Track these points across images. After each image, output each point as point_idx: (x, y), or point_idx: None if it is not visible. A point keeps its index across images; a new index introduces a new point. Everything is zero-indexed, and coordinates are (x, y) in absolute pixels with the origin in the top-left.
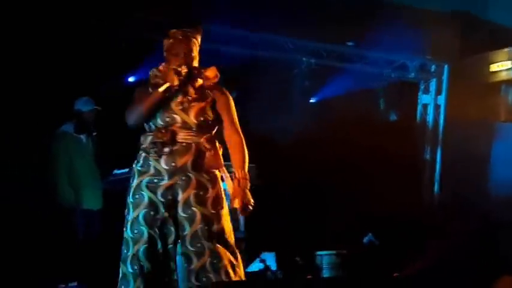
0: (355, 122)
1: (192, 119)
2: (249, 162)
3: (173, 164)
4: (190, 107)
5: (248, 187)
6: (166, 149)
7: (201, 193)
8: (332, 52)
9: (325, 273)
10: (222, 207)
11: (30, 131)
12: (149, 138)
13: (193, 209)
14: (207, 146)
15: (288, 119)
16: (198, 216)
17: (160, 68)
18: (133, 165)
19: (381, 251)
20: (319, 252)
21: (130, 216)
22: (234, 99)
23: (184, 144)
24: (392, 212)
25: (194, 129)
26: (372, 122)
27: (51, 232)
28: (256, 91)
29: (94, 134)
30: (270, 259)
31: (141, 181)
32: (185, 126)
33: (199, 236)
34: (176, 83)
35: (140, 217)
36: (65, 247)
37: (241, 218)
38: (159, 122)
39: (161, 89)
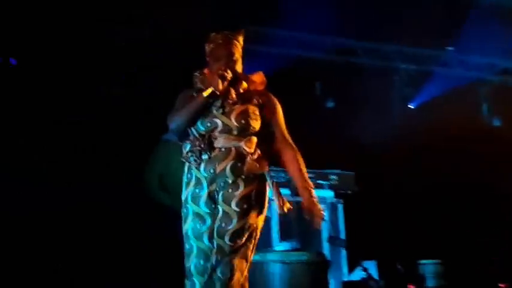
0: (457, 128)
1: (233, 121)
2: (348, 170)
3: (212, 170)
4: (231, 110)
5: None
6: (205, 156)
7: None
8: (431, 57)
9: (429, 283)
10: (260, 213)
11: (135, 137)
12: (188, 147)
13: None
14: (248, 149)
15: (387, 126)
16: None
17: (205, 72)
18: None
19: (486, 261)
20: (422, 261)
21: (183, 230)
22: (331, 108)
23: (223, 149)
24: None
25: (235, 132)
26: (474, 128)
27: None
28: (355, 98)
29: None
30: (371, 267)
31: (187, 193)
32: (226, 130)
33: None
34: (220, 87)
35: (189, 231)
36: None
37: (342, 226)
38: (200, 127)
39: (205, 94)
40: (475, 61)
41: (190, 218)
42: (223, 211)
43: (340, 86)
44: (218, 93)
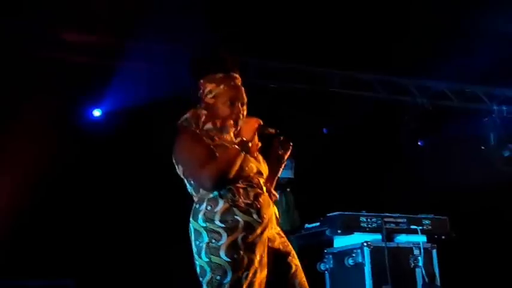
0: None
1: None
2: (441, 214)
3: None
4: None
5: None
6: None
7: None
8: None
9: None
10: None
11: None
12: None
13: None
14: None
15: (481, 169)
16: None
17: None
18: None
19: None
20: None
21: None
22: (423, 151)
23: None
24: None
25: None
26: None
27: None
28: (449, 141)
29: (288, 190)
30: None
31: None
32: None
33: None
34: (252, 146)
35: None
36: None
37: (436, 272)
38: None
39: (241, 151)
40: None
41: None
42: None
43: (433, 128)
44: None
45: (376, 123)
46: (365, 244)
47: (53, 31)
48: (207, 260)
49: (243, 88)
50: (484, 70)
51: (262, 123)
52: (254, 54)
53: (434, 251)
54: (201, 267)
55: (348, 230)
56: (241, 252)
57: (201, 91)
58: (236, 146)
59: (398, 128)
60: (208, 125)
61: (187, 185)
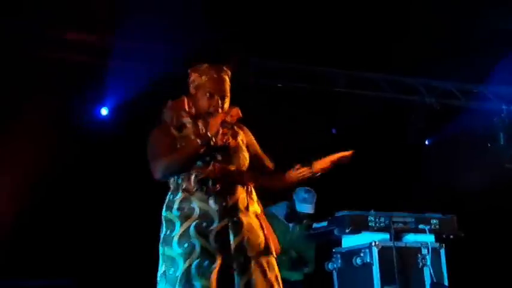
0: None
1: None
2: (450, 214)
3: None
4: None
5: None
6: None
7: None
8: None
9: None
10: None
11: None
12: None
13: None
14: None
15: (490, 168)
16: None
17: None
18: None
19: None
20: None
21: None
22: (431, 149)
23: None
24: None
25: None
26: None
27: None
28: (456, 141)
29: (304, 221)
30: None
31: None
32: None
33: None
34: (219, 142)
35: None
36: None
37: (444, 271)
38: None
39: (201, 145)
40: None
41: None
42: None
43: (441, 127)
44: (214, 144)
45: (384, 123)
46: (373, 244)
47: (53, 31)
48: (161, 251)
49: (227, 81)
50: (492, 69)
51: (239, 114)
52: (255, 53)
53: (442, 251)
54: (159, 257)
55: (356, 230)
56: (192, 240)
57: (188, 80)
58: (198, 140)
59: (405, 127)
60: (183, 113)
61: None
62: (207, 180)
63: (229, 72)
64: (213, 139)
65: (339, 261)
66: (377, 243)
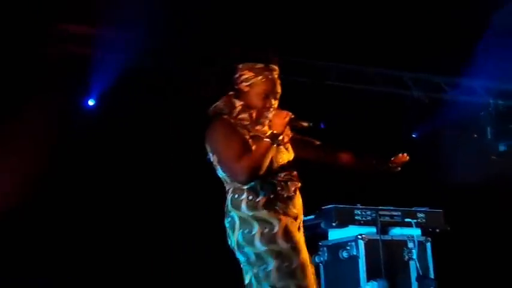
0: None
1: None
2: (436, 208)
3: None
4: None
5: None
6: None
7: None
8: None
9: None
10: None
11: None
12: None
13: None
14: None
15: (476, 162)
16: None
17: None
18: None
19: None
20: None
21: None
22: (419, 143)
23: None
24: None
25: None
26: None
27: None
28: (442, 134)
29: None
30: None
31: None
32: None
33: None
34: (286, 138)
35: None
36: None
37: (430, 265)
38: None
39: (273, 142)
40: None
41: None
42: None
43: (428, 121)
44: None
45: (371, 116)
46: (359, 237)
47: (36, 23)
48: (265, 248)
49: (279, 81)
50: (480, 64)
51: (293, 116)
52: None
53: (428, 244)
54: (257, 255)
55: (343, 223)
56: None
57: (237, 76)
58: (268, 139)
59: (393, 120)
60: (243, 115)
61: (219, 171)
62: (294, 188)
63: (278, 71)
64: (280, 137)
65: (326, 254)
66: (363, 236)
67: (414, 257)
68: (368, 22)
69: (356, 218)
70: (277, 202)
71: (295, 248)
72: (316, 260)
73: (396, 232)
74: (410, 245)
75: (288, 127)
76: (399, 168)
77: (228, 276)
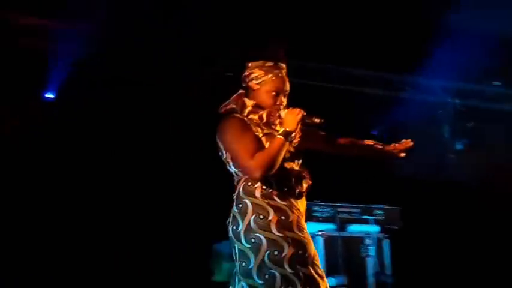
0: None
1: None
2: (395, 205)
3: None
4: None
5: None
6: None
7: None
8: (478, 92)
9: None
10: None
11: None
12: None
13: None
14: None
15: (434, 161)
16: None
17: (281, 111)
18: None
19: None
20: None
21: None
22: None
23: None
24: None
25: None
26: None
27: None
28: (401, 131)
29: None
30: None
31: None
32: None
33: None
34: (297, 136)
35: None
36: None
37: (388, 261)
38: None
39: (286, 139)
40: None
41: None
42: None
43: (386, 119)
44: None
45: (331, 113)
46: (318, 233)
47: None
48: (281, 234)
49: (287, 79)
50: (438, 63)
51: (305, 113)
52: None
53: (386, 241)
54: (271, 240)
55: None
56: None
57: (246, 73)
58: (281, 136)
59: (352, 117)
60: (254, 116)
61: (231, 167)
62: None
63: (286, 70)
64: (293, 134)
65: None
66: (323, 233)
67: (372, 253)
68: (329, 20)
69: (314, 214)
70: (289, 196)
71: (308, 238)
72: None
73: (355, 229)
74: (367, 241)
75: (300, 124)
76: (404, 154)
77: None
